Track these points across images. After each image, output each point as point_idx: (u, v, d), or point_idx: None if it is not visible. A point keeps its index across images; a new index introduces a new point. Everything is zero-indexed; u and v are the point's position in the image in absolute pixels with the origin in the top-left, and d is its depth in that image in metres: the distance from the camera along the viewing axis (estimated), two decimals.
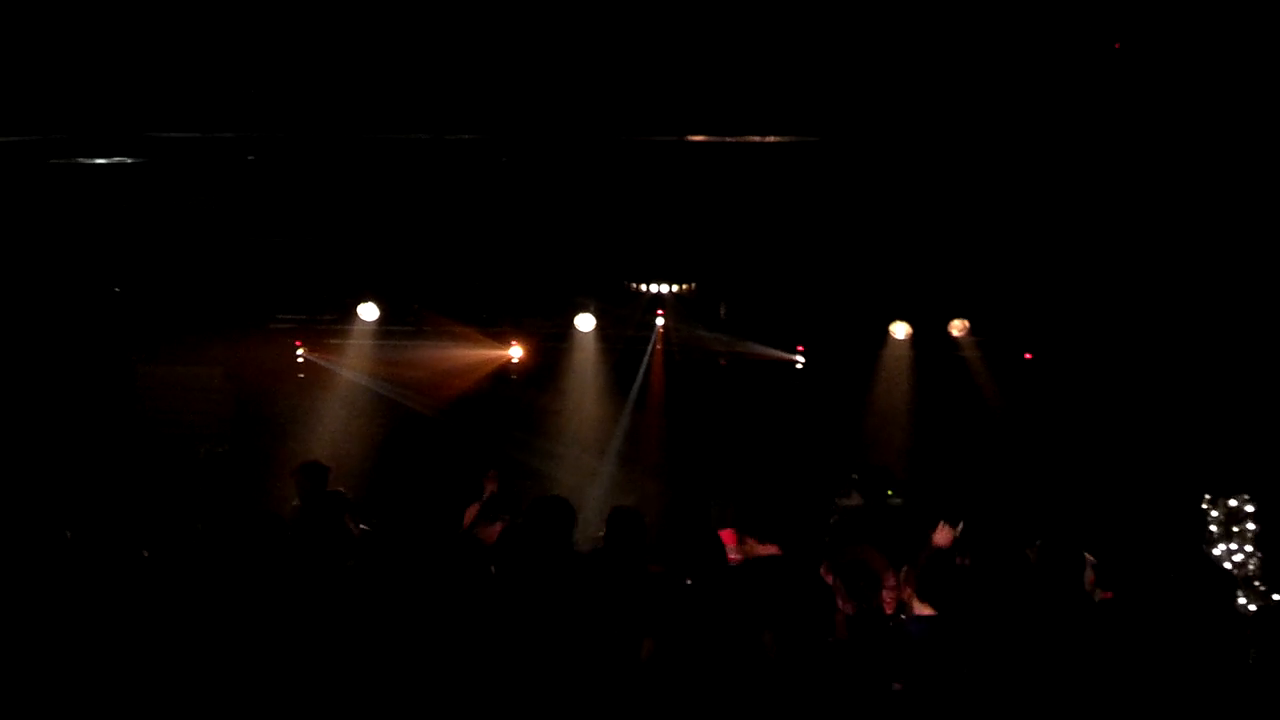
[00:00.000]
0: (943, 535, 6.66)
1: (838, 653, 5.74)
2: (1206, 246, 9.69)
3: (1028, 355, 12.45)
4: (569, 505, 6.34)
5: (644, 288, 12.23)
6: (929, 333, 12.24)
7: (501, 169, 9.25)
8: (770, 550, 6.71)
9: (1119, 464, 11.65)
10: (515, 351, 13.08)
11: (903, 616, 6.26)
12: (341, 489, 8.14)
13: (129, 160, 9.01)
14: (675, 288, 12.22)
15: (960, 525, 6.75)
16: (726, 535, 7.16)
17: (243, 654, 5.04)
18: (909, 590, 6.25)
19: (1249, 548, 10.90)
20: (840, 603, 5.99)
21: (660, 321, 12.70)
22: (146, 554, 6.19)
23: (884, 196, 9.68)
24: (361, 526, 7.73)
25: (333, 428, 13.02)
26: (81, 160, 8.90)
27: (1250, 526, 10.94)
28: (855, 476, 11.39)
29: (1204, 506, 11.25)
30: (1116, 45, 7.57)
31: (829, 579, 6.42)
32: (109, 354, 12.43)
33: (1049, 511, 9.28)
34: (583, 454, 13.22)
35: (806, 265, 11.24)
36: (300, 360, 13.04)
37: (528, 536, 6.16)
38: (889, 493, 11.44)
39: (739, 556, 6.96)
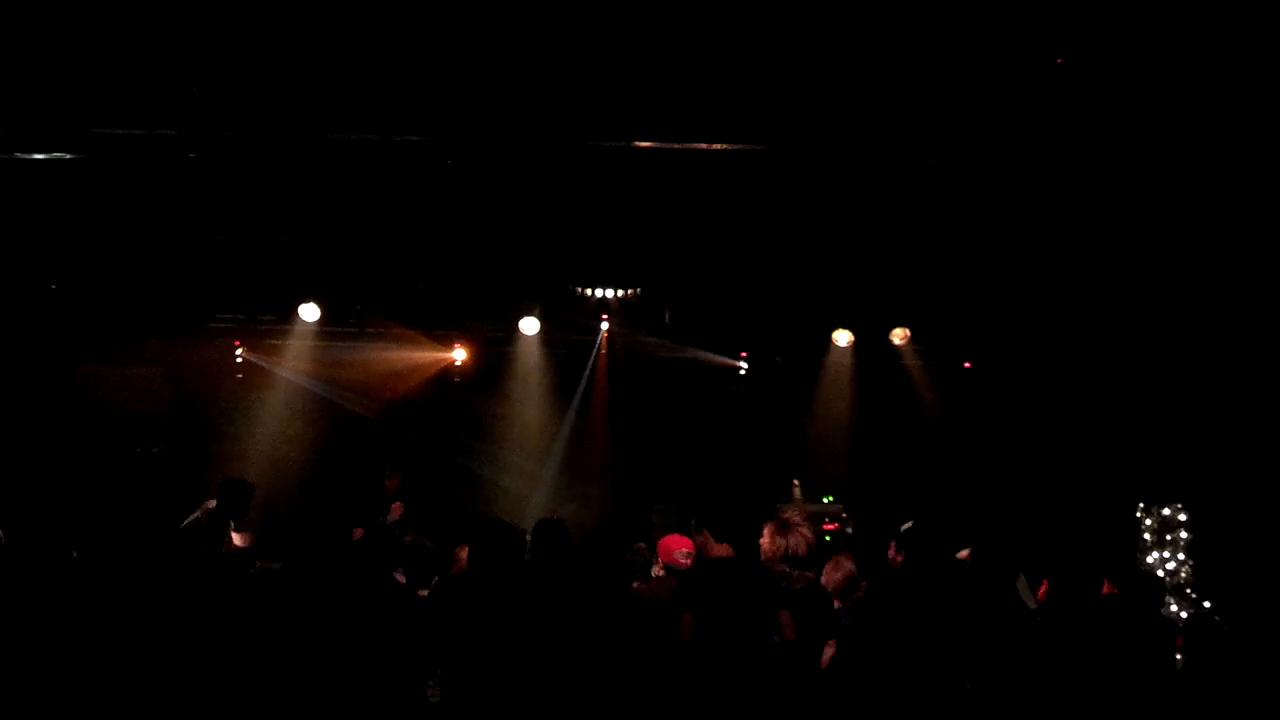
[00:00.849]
0: (896, 555, 6.79)
1: (785, 652, 6.10)
2: (1144, 254, 9.77)
3: (967, 364, 12.64)
4: (515, 533, 6.19)
5: (589, 292, 12.19)
6: (871, 340, 12.32)
7: (448, 171, 9.19)
8: (724, 551, 6.80)
9: (1055, 472, 11.78)
10: (459, 354, 13.01)
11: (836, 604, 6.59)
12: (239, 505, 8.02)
13: (68, 156, 8.88)
14: (621, 293, 12.21)
15: (905, 525, 6.88)
16: (678, 541, 7.31)
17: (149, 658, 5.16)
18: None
19: (1181, 555, 11.13)
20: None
21: (605, 326, 12.66)
22: (75, 555, 6.22)
23: (828, 205, 9.71)
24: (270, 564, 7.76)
25: (271, 429, 12.94)
26: (20, 155, 8.79)
27: (1183, 535, 11.17)
28: (796, 482, 11.74)
29: (1138, 515, 11.46)
30: (1059, 60, 7.61)
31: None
32: (46, 353, 12.31)
33: (985, 518, 9.30)
34: (526, 459, 13.25)
35: (751, 272, 11.27)
36: (239, 360, 12.90)
37: (479, 566, 6.07)
38: (827, 499, 11.82)
39: (689, 562, 7.09)
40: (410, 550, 7.19)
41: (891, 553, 6.71)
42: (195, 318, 12.49)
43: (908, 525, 6.75)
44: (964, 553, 6.53)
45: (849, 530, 11.48)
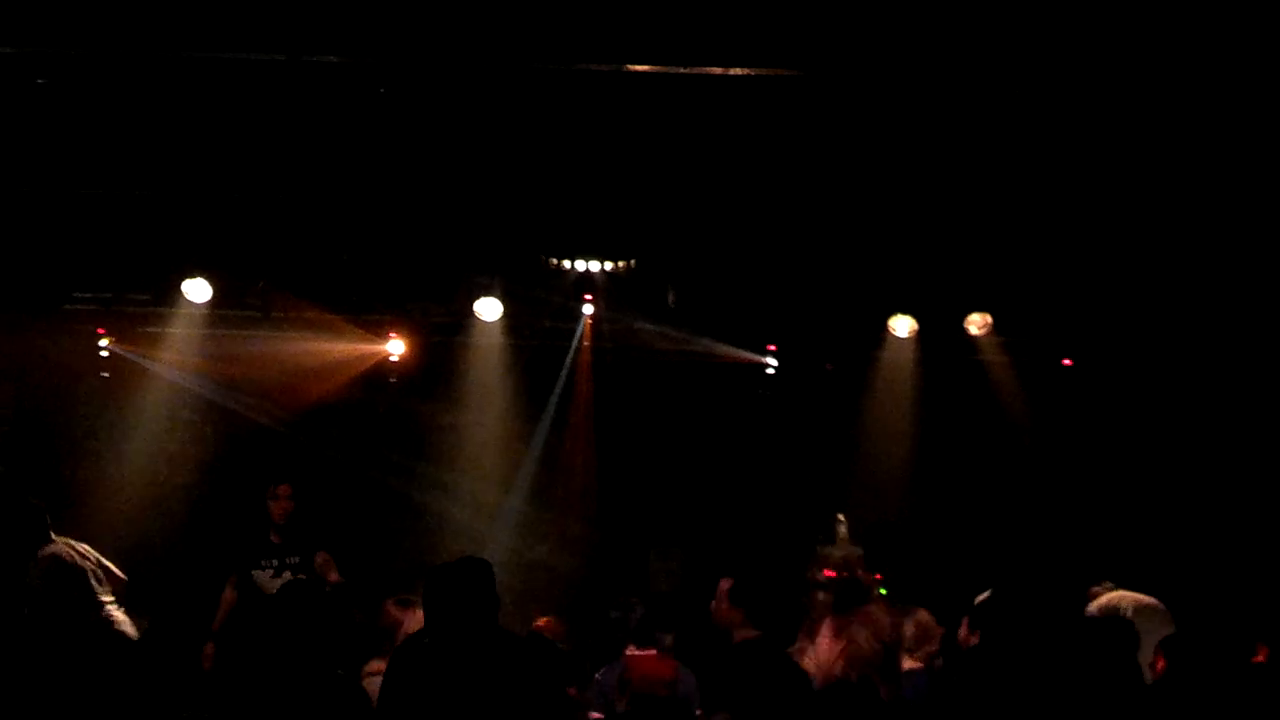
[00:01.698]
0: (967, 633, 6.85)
1: None
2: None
3: (1067, 361, 12.61)
4: (477, 570, 6.08)
5: (567, 265, 12.25)
6: (939, 330, 12.33)
7: (379, 102, 9.12)
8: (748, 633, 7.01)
9: (1188, 503, 11.93)
10: (395, 347, 13.05)
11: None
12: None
13: None
14: (609, 265, 12.25)
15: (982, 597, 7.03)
16: (656, 665, 7.51)
17: None
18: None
19: None
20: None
21: (588, 310, 12.73)
22: None
23: (885, 152, 9.63)
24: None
25: (147, 447, 13.16)
26: None
27: None
28: (841, 517, 11.81)
29: None
30: None
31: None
32: None
33: (1092, 567, 9.45)
34: (483, 485, 13.43)
35: (783, 240, 11.34)
36: (104, 355, 12.99)
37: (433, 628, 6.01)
38: (839, 517, 11.96)
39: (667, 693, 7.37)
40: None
41: (964, 632, 6.75)
42: (46, 298, 12.51)
43: (984, 596, 6.82)
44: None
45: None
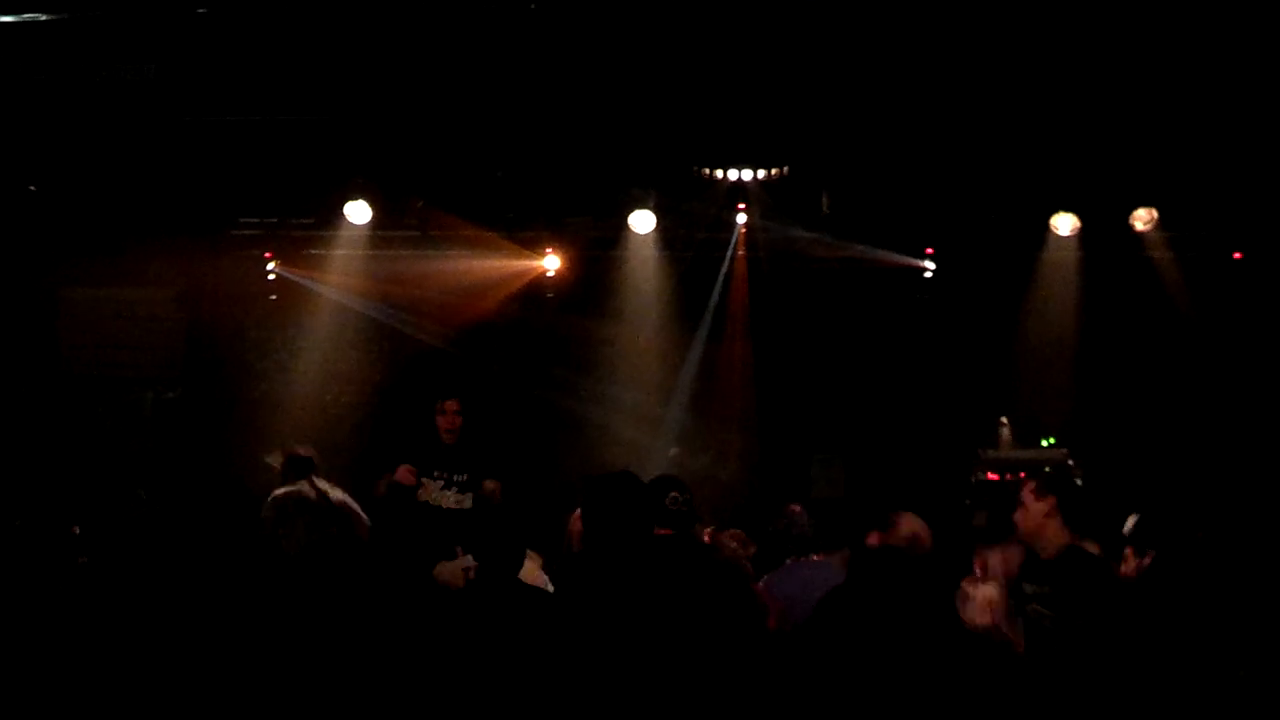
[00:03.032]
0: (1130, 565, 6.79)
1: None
2: None
3: (1237, 255, 12.43)
4: (635, 483, 6.00)
5: (720, 174, 12.23)
6: (1103, 227, 12.17)
7: (530, 16, 9.30)
8: (915, 528, 6.95)
9: None
10: (551, 262, 13.18)
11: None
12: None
13: (44, 17, 9.14)
14: (761, 174, 12.23)
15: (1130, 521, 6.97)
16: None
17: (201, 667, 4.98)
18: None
19: None
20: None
21: (742, 219, 12.76)
22: (77, 530, 6.26)
23: (1043, 42, 9.57)
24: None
25: (316, 367, 13.31)
26: None
27: None
28: (1004, 420, 11.72)
29: None
30: None
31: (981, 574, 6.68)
32: (22, 274, 12.66)
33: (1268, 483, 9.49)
34: (643, 397, 13.42)
35: (939, 141, 11.23)
36: (271, 278, 13.19)
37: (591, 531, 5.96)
38: (1047, 441, 11.91)
39: None
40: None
41: (1131, 564, 6.69)
42: (213, 223, 12.82)
43: (1133, 520, 6.85)
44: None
45: (1077, 482, 11.20)
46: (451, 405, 10.17)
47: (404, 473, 9.82)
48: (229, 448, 12.18)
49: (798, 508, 8.27)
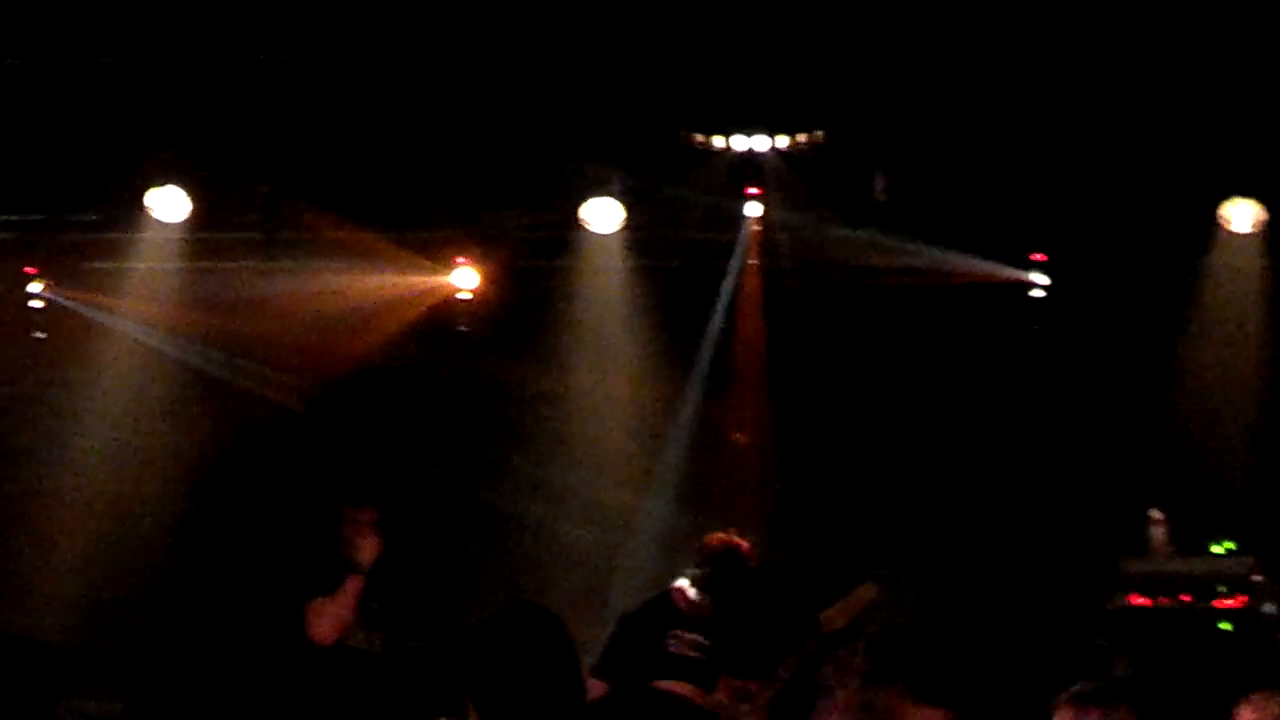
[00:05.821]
0: None
1: None
2: None
3: None
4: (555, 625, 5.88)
5: (721, 143, 12.33)
6: None
7: None
8: None
9: None
10: (465, 278, 13.21)
11: None
12: None
13: None
14: (785, 141, 12.31)
15: None
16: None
17: None
18: None
19: None
20: None
21: (754, 210, 12.82)
22: None
23: None
24: None
25: (106, 443, 13.33)
26: None
27: None
28: (1157, 515, 12.10)
29: None
30: None
31: None
32: None
33: None
34: (607, 485, 13.50)
35: (1049, 90, 11.31)
36: (37, 305, 13.25)
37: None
38: (1221, 546, 12.08)
39: None
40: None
41: None
42: None
43: None
44: None
45: (1268, 608, 11.47)
46: (367, 515, 9.79)
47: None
48: None
49: (846, 653, 8.58)
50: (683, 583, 9.70)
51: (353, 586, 9.55)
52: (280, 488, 12.54)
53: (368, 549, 9.60)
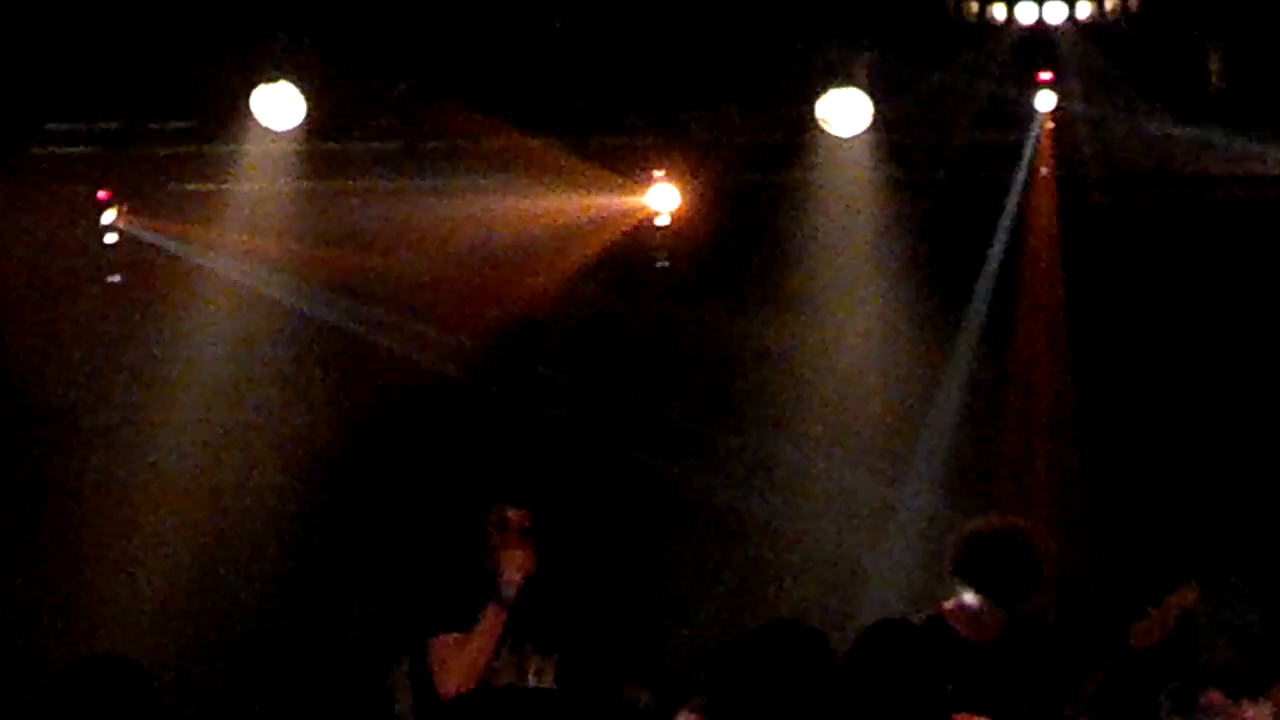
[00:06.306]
0: None
1: None
2: None
3: None
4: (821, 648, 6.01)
5: (1000, 14, 11.71)
6: None
7: None
8: None
9: None
10: (663, 198, 12.76)
11: None
12: None
13: None
14: (1087, 9, 11.69)
15: None
16: None
17: None
18: None
19: None
20: None
21: (1048, 102, 12.27)
22: None
23: None
24: None
25: (203, 417, 12.99)
26: None
27: None
28: None
29: None
30: None
31: None
32: None
33: None
34: (853, 467, 13.14)
35: None
36: (111, 239, 12.81)
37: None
38: None
39: None
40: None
41: None
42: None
43: None
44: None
45: None
46: (516, 517, 9.60)
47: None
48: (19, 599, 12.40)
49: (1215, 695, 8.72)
50: (969, 599, 8.95)
51: (493, 619, 9.41)
52: (426, 480, 12.32)
53: (516, 565, 9.44)
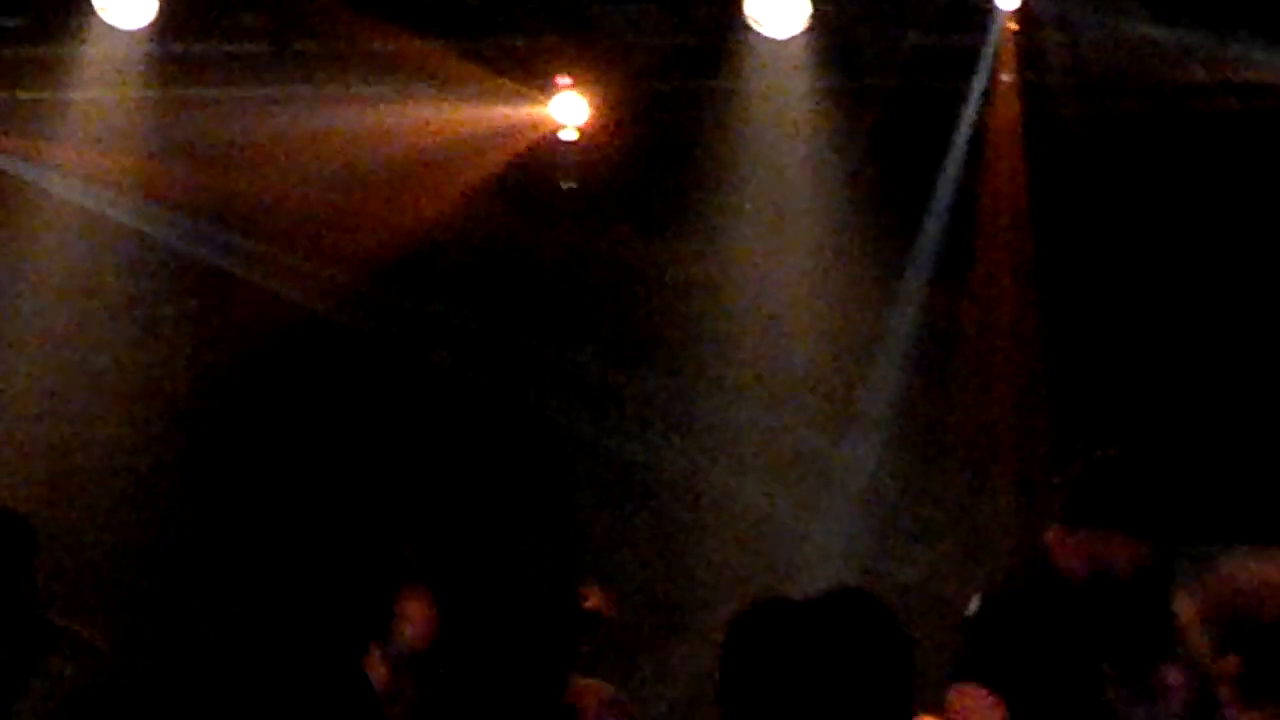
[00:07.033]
0: None
1: None
2: None
3: None
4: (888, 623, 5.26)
5: None
6: None
7: None
8: None
9: None
10: (569, 109, 12.26)
11: None
12: None
13: None
14: None
15: None
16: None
17: None
18: None
19: None
20: None
21: (1008, 2, 11.92)
22: None
23: None
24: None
25: (36, 374, 12.60)
26: None
27: None
28: None
29: None
30: None
31: None
32: None
33: None
34: (789, 417, 12.67)
35: None
36: None
37: None
38: None
39: None
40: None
41: None
42: None
43: None
44: None
45: None
46: (418, 610, 8.40)
47: None
48: None
49: (1173, 676, 7.59)
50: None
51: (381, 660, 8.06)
52: (295, 438, 12.12)
53: (413, 621, 8.09)
